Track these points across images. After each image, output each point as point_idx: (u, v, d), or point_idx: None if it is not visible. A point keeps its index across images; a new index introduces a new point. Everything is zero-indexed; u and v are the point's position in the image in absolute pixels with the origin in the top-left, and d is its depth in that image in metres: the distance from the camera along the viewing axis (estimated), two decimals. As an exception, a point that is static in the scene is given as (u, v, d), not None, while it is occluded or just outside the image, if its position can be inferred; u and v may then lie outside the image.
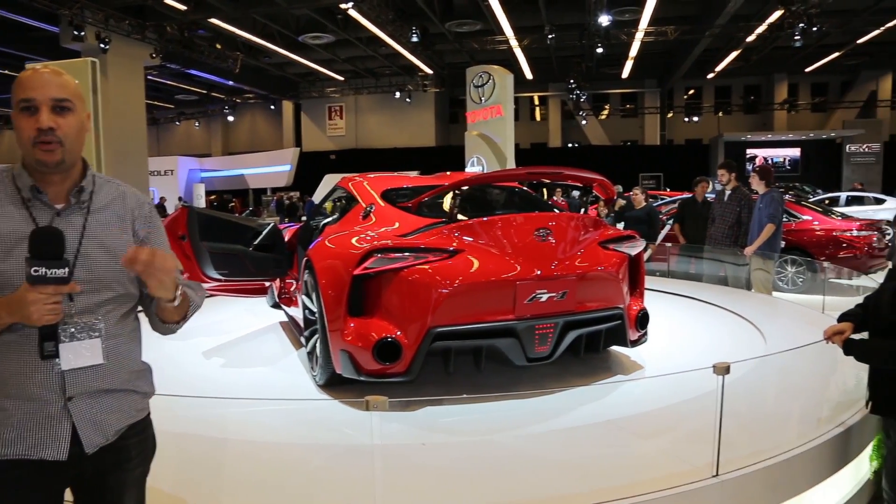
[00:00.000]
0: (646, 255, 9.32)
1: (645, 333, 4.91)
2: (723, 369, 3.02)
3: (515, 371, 4.71)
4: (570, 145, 37.95)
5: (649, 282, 6.27)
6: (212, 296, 7.11)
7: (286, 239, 6.11)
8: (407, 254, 4.04)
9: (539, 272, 4.17)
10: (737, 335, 5.98)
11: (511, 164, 14.32)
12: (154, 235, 2.02)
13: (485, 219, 4.35)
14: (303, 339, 5.05)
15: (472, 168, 14.18)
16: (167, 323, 2.01)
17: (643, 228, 9.29)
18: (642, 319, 4.82)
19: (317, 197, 24.29)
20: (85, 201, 1.89)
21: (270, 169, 32.35)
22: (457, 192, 4.57)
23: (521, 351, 4.19)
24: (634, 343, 4.83)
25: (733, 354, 5.01)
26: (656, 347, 5.28)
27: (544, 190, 17.34)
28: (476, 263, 4.11)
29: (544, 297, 4.18)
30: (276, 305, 6.82)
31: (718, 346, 5.71)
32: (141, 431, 2.02)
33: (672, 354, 5.31)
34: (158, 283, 1.81)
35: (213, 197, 31.44)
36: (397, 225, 4.52)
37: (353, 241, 4.35)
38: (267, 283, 6.29)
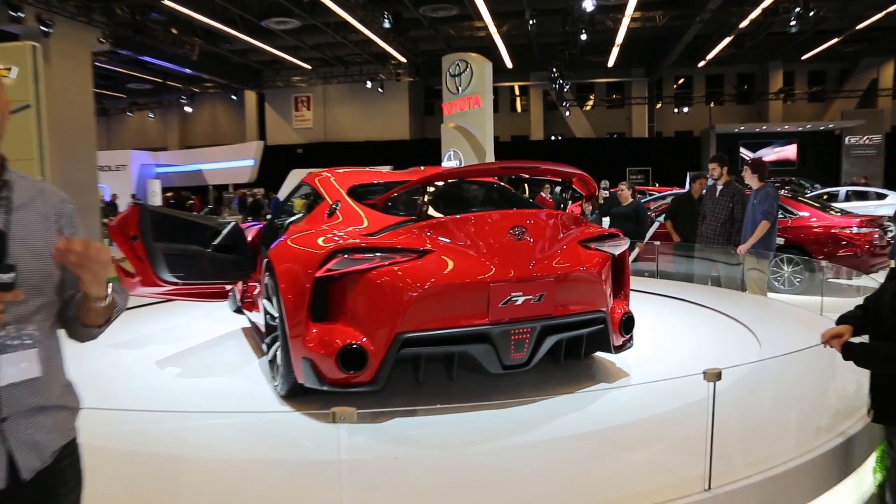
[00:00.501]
0: (633, 255, 9.43)
1: (630, 338, 4.92)
2: (714, 375, 3.02)
3: (491, 379, 4.70)
4: (552, 138, 38.13)
5: (636, 283, 6.30)
6: (169, 300, 7.06)
7: (249, 239, 6.09)
8: (373, 254, 4.03)
9: (514, 273, 4.17)
10: (729, 339, 6.02)
11: (490, 158, 14.34)
12: (77, 237, 1.92)
13: (457, 216, 4.35)
14: (264, 347, 5.02)
15: (449, 163, 14.19)
16: (90, 327, 1.94)
17: (630, 226, 9.33)
18: (627, 323, 4.83)
19: (282, 194, 24.16)
20: (5, 198, 1.82)
21: (232, 164, 32.16)
22: (428, 188, 4.56)
23: (496, 358, 4.19)
24: (619, 349, 4.85)
25: (725, 359, 5.02)
26: (643, 353, 5.30)
27: (525, 186, 17.39)
28: (447, 264, 4.11)
29: (520, 300, 4.18)
30: (238, 310, 6.79)
31: (709, 350, 5.74)
32: (73, 452, 1.97)
33: (660, 360, 5.33)
34: (93, 277, 1.76)
35: (169, 194, 31.17)
36: (365, 223, 4.50)
37: (317, 240, 4.32)
38: (228, 287, 6.25)
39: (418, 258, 4.07)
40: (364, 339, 4.00)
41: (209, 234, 5.91)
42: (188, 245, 5.65)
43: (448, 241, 4.21)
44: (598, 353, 5.04)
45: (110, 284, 1.87)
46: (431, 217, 4.38)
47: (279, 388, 4.51)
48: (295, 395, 4.41)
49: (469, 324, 4.11)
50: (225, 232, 5.94)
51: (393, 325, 3.97)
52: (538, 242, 4.37)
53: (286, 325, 4.22)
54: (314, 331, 4.10)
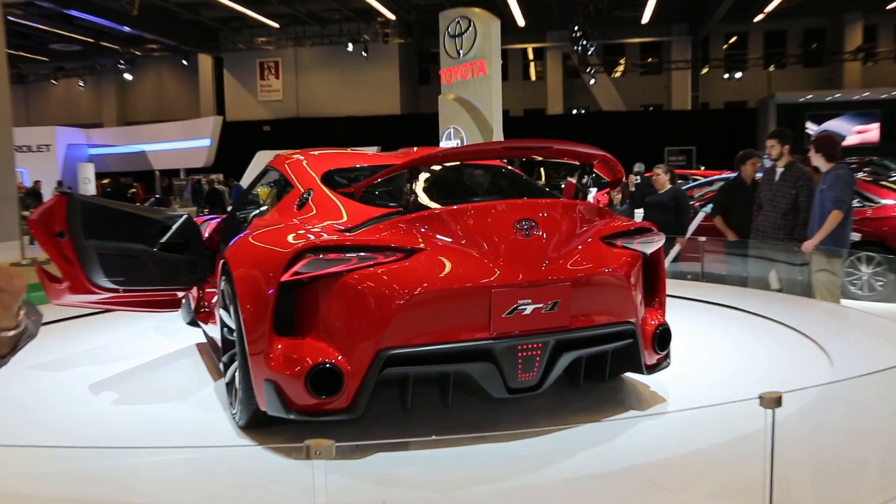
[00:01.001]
0: (672, 253, 9.44)
1: (667, 356, 4.94)
2: (773, 401, 3.02)
3: (494, 406, 4.73)
4: (574, 112, 38.14)
5: (676, 287, 6.31)
6: (106, 311, 7.07)
7: (206, 235, 6.13)
8: (351, 254, 4.04)
9: (522, 276, 4.18)
10: (793, 356, 6.03)
11: (498, 136, 14.36)
12: None
13: (453, 207, 4.37)
14: (221, 366, 5.04)
15: (448, 143, 14.23)
16: None
17: (669, 218, 9.28)
18: (662, 337, 4.83)
19: (246, 181, 24.21)
20: None
21: (184, 144, 32.24)
22: (420, 173, 4.57)
23: (501, 379, 4.19)
24: (652, 368, 4.85)
25: (788, 381, 5.04)
26: (683, 373, 5.31)
27: (541, 170, 17.43)
28: (441, 266, 4.12)
29: (529, 309, 4.19)
30: (193, 322, 6.81)
31: (768, 370, 5.73)
32: None
33: (704, 382, 5.35)
34: (4, 311, 1.75)
35: (105, 181, 31.25)
36: (343, 217, 4.53)
37: (283, 237, 4.34)
38: (181, 294, 6.27)
39: (406, 258, 4.08)
40: (339, 357, 4.01)
41: (156, 229, 5.93)
42: (129, 243, 5.66)
43: (442, 237, 4.23)
44: (627, 375, 5.07)
45: (22, 311, 1.84)
46: (422, 208, 4.38)
47: (238, 416, 4.52)
48: (257, 425, 4.42)
49: (467, 338, 4.11)
50: (175, 227, 5.97)
51: (375, 340, 3.97)
52: (552, 239, 4.37)
53: (245, 341, 4.23)
54: (279, 347, 4.10)
